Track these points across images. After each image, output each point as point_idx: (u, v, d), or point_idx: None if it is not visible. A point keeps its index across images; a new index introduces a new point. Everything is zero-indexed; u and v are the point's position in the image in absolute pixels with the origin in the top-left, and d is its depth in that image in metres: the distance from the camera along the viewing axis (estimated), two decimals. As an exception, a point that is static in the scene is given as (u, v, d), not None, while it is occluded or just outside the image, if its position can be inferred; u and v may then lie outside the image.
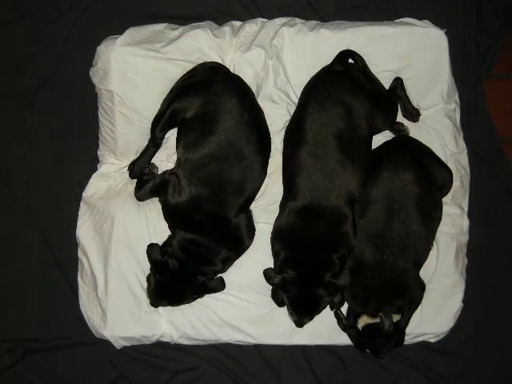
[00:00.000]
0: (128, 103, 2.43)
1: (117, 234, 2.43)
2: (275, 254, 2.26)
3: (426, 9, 2.71)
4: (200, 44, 2.47)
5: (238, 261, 2.36)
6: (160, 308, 2.42)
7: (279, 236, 2.24)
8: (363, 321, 2.31)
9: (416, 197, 2.19)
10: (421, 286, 2.32)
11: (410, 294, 2.28)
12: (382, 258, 2.19)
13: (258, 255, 2.38)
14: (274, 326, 2.46)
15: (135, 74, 2.41)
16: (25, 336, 2.66)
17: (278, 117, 2.49)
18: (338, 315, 2.37)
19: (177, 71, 2.43)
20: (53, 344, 2.65)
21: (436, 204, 2.30)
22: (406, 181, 2.19)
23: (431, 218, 2.27)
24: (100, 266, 2.45)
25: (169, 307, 2.39)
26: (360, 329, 2.32)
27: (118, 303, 2.42)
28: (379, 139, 2.42)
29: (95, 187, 2.54)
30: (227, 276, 2.37)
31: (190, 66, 2.44)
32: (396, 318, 2.30)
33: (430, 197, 2.26)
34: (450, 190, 2.46)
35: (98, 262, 2.46)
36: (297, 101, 2.44)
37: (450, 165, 2.48)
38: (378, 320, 2.27)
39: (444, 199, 2.45)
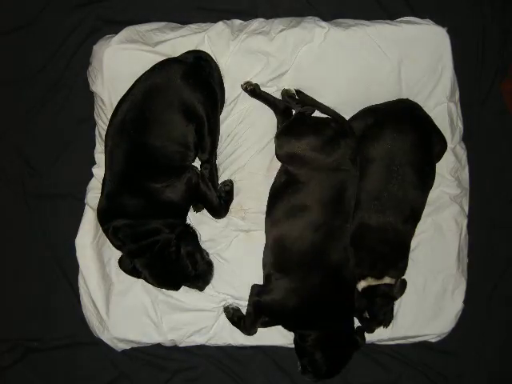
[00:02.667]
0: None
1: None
2: None
3: (432, 8, 2.72)
4: (196, 43, 2.44)
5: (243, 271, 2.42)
6: (162, 315, 2.44)
7: None
8: (367, 282, 2.27)
9: (416, 159, 2.20)
10: None
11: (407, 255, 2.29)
12: (385, 220, 2.19)
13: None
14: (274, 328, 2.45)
15: (126, 75, 2.36)
16: (25, 336, 2.67)
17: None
18: None
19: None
20: (53, 344, 2.66)
21: (432, 169, 2.31)
22: (408, 142, 2.20)
23: (427, 182, 2.28)
24: (100, 272, 2.45)
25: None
26: (360, 290, 2.29)
27: (118, 309, 2.43)
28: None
29: (94, 193, 2.50)
30: (231, 280, 2.41)
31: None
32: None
33: (429, 161, 2.28)
34: (450, 189, 2.49)
35: (99, 269, 2.45)
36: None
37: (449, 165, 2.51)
38: (380, 282, 2.25)
39: (446, 198, 2.47)
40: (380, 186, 2.20)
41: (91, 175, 2.55)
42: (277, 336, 2.47)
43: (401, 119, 2.25)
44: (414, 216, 2.27)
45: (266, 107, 2.43)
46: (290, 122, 2.30)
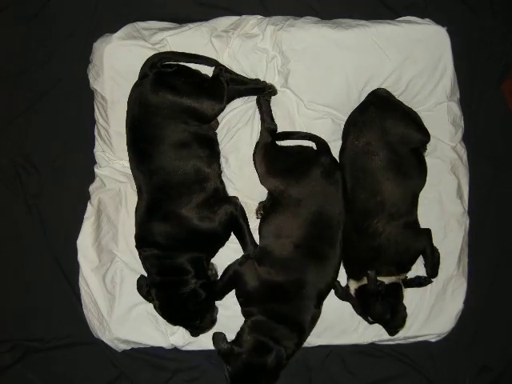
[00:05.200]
0: (120, 100, 2.40)
1: (121, 246, 2.47)
2: None
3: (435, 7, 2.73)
4: (195, 41, 2.45)
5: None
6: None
7: None
8: (352, 284, 2.30)
9: (378, 161, 2.20)
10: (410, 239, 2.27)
11: (387, 255, 2.24)
12: (349, 224, 2.23)
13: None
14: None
15: (127, 72, 2.39)
16: (25, 336, 2.66)
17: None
18: (334, 286, 2.37)
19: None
20: (53, 344, 2.66)
21: (408, 164, 2.24)
22: (366, 146, 2.22)
23: (402, 177, 2.22)
24: (102, 274, 2.46)
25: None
26: (353, 294, 2.30)
27: (121, 310, 2.43)
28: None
29: (98, 194, 2.52)
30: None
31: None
32: (391, 279, 2.27)
33: (397, 159, 2.22)
34: (451, 188, 2.50)
35: (101, 270, 2.46)
36: (296, 99, 2.45)
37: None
38: (361, 283, 2.27)
39: (447, 198, 2.47)
40: (348, 193, 2.24)
41: (93, 175, 2.56)
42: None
43: (359, 124, 2.27)
44: (394, 216, 2.22)
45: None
46: (266, 151, 2.33)
